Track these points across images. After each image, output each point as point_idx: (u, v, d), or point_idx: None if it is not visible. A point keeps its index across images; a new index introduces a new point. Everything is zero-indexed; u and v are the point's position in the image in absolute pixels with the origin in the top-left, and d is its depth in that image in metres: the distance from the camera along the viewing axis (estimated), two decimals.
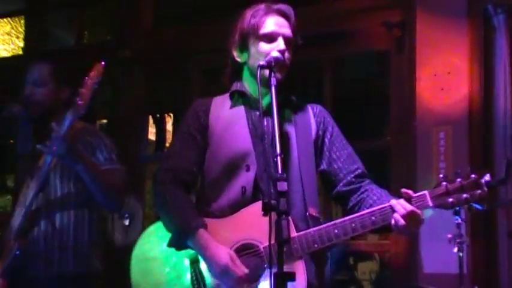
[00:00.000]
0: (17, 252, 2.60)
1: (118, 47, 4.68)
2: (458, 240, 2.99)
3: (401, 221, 1.97)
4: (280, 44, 2.16)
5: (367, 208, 2.08)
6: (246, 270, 2.01)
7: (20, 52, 5.37)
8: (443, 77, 3.69)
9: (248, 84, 2.26)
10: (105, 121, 5.72)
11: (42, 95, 2.78)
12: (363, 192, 2.17)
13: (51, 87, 2.79)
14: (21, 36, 5.35)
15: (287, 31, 2.20)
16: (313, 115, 2.29)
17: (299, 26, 2.25)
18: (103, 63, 2.57)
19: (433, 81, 3.72)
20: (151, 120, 5.63)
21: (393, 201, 2.00)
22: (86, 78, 2.53)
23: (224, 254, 2.02)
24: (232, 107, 2.26)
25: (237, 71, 2.29)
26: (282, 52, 2.14)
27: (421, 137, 3.73)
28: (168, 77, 4.96)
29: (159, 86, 5.14)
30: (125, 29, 4.81)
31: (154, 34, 4.72)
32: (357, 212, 2.10)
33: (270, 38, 2.18)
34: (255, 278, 2.03)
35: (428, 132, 3.69)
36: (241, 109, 2.24)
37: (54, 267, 2.66)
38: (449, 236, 3.01)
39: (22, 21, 5.39)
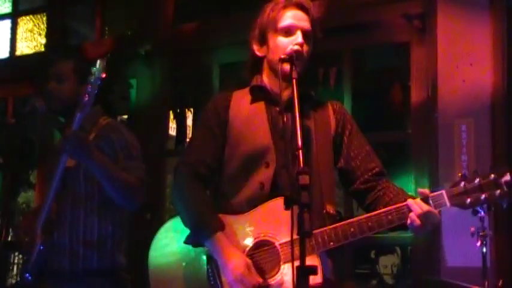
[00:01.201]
0: (41, 247, 2.63)
1: (138, 41, 4.70)
2: (481, 234, 2.95)
3: (417, 221, 1.97)
4: (298, 37, 2.16)
5: (384, 206, 2.08)
6: (260, 280, 2.02)
7: (42, 49, 5.42)
8: (465, 68, 3.65)
9: (268, 79, 2.26)
10: (125, 116, 5.75)
11: (63, 91, 2.80)
12: (379, 190, 2.17)
13: (72, 83, 2.81)
14: (43, 33, 5.40)
15: (305, 24, 2.19)
16: (333, 112, 2.29)
17: (319, 18, 2.24)
18: (106, 59, 2.58)
19: (455, 73, 3.67)
20: (171, 115, 5.65)
21: (410, 201, 2.00)
22: (90, 75, 2.54)
23: (240, 261, 2.03)
24: (252, 102, 2.26)
25: (257, 64, 2.30)
26: (300, 45, 2.14)
27: (442, 129, 3.69)
28: (189, 72, 4.98)
29: (180, 80, 5.15)
30: (145, 23, 4.83)
31: (174, 28, 4.73)
32: (374, 209, 2.10)
33: (288, 31, 2.19)
34: (269, 275, 2.04)
35: (449, 124, 3.65)
36: (261, 104, 2.24)
37: (79, 263, 2.69)
38: (472, 229, 2.98)
39: (44, 18, 5.44)
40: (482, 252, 2.96)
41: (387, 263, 5.13)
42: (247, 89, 2.30)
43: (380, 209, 2.08)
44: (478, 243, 2.97)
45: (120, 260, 2.78)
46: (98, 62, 2.57)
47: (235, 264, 2.02)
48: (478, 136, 3.58)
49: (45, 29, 5.34)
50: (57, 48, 4.95)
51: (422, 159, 3.81)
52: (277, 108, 2.20)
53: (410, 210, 1.99)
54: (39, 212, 2.71)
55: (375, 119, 4.45)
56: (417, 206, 1.97)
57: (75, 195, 2.73)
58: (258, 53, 2.26)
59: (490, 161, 3.49)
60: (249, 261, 2.04)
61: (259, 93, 2.26)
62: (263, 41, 2.24)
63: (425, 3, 3.86)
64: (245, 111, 2.25)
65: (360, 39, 4.19)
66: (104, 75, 2.55)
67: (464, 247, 3.24)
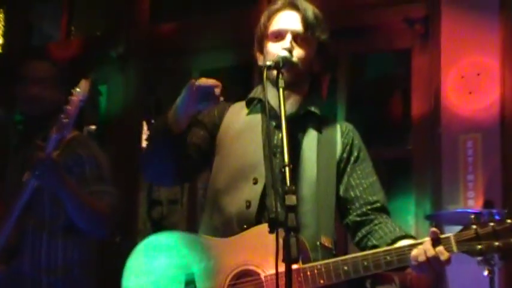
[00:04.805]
0: None
1: (109, 43, 4.68)
2: (489, 263, 2.95)
3: (419, 267, 1.92)
4: (285, 41, 2.17)
5: (376, 240, 2.08)
6: None
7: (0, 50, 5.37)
8: (472, 79, 3.67)
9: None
10: (93, 127, 5.70)
11: (47, 94, 2.82)
12: (376, 225, 2.15)
13: (54, 87, 2.84)
14: (1, 31, 5.35)
15: (296, 25, 2.20)
16: (340, 134, 2.27)
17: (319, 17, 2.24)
18: (90, 79, 2.61)
19: (461, 83, 3.70)
20: (145, 126, 5.60)
21: (415, 251, 1.93)
22: (72, 95, 2.56)
23: None
24: (248, 113, 2.27)
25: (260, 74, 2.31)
26: (287, 50, 2.14)
27: (446, 146, 3.70)
28: (165, 77, 4.96)
29: (155, 86, 5.13)
30: (117, 22, 4.81)
31: (150, 28, 4.72)
32: (365, 244, 2.11)
33: (278, 35, 2.20)
34: None
35: (454, 140, 3.67)
36: (257, 117, 2.25)
37: None
38: (479, 257, 2.97)
39: (1, 15, 5.40)
40: (491, 283, 2.96)
41: None
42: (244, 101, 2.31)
43: (372, 243, 2.08)
44: (486, 273, 2.97)
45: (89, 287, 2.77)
46: (82, 82, 2.58)
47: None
48: (486, 154, 3.60)
49: (3, 27, 5.29)
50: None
51: (424, 179, 3.82)
52: (274, 123, 2.19)
53: (411, 253, 1.93)
54: None
55: (372, 132, 4.44)
56: (422, 250, 1.93)
57: (38, 217, 2.73)
58: (259, 63, 2.28)
59: (500, 182, 3.50)
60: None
61: (257, 104, 2.27)
62: (261, 49, 2.27)
63: (429, 6, 3.89)
64: (240, 123, 2.25)
65: (356, 44, 4.21)
66: (86, 96, 2.57)
67: (471, 277, 3.23)
